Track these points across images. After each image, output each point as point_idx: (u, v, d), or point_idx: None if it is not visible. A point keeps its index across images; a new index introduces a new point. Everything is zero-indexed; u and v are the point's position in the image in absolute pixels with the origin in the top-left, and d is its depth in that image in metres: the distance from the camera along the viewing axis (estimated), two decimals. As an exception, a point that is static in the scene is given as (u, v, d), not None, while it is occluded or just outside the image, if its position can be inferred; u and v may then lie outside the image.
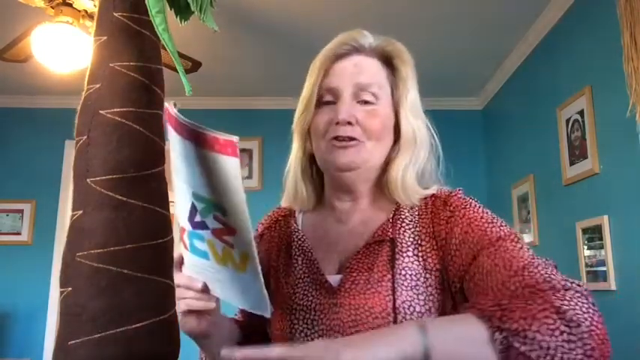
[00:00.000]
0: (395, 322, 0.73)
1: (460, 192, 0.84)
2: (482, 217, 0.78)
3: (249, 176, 4.08)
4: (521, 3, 2.82)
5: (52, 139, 4.12)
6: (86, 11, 2.43)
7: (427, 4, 2.83)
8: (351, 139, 0.81)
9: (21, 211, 4.00)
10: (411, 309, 0.75)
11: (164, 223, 0.57)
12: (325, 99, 0.84)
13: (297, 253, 0.87)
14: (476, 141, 4.03)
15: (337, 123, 0.81)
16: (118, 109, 0.55)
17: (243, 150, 4.08)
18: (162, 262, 0.56)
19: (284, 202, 0.93)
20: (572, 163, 2.61)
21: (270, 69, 3.64)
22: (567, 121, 2.66)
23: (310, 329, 0.79)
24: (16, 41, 2.60)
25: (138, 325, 0.51)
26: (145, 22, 0.58)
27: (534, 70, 3.16)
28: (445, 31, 3.11)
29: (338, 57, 0.85)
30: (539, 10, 2.89)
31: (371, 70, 0.85)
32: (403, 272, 0.77)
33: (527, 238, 3.17)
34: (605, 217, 2.29)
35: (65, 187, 4.10)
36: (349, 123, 0.80)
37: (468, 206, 0.80)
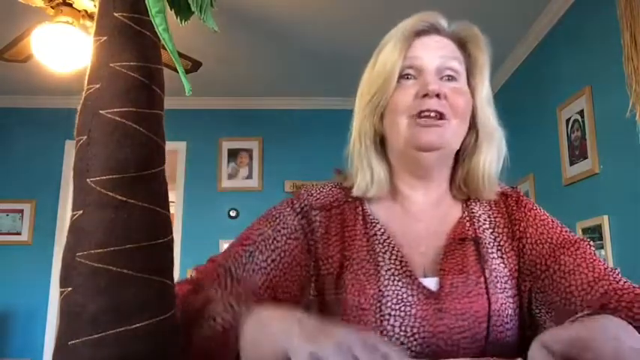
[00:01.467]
0: (488, 326, 0.71)
1: (521, 190, 0.85)
2: (552, 220, 0.80)
3: (249, 176, 4.08)
4: (521, 3, 2.82)
5: (52, 139, 4.13)
6: (86, 11, 2.43)
7: (427, 4, 2.83)
8: (439, 115, 0.76)
9: (21, 211, 4.01)
10: (505, 312, 0.73)
11: (164, 223, 0.57)
12: (406, 73, 0.80)
13: (383, 250, 0.77)
14: (476, 141, 4.03)
15: (425, 95, 0.76)
16: (118, 109, 0.55)
17: (243, 150, 4.08)
18: (163, 262, 0.56)
19: (357, 191, 0.82)
20: (572, 163, 2.61)
21: (270, 69, 3.64)
22: (567, 121, 2.66)
23: (410, 337, 0.71)
24: (16, 41, 2.60)
25: (138, 325, 0.51)
26: (145, 22, 0.58)
27: (534, 70, 3.17)
28: (445, 31, 3.11)
29: (418, 33, 0.82)
30: (539, 10, 2.89)
31: (452, 51, 0.82)
32: (494, 274, 0.75)
33: (527, 238, 3.18)
34: (605, 217, 2.29)
35: (65, 187, 4.10)
36: (437, 96, 0.76)
37: (536, 208, 0.82)
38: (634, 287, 0.67)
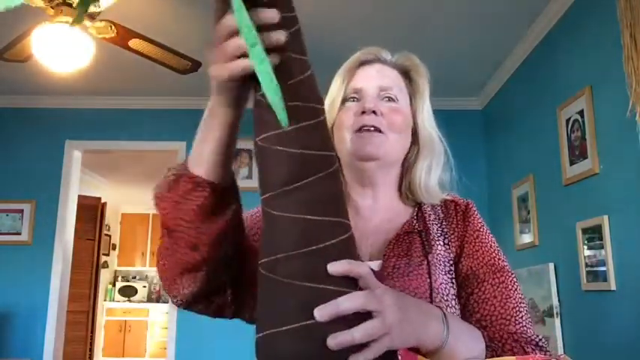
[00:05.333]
0: (431, 301, 0.80)
1: (473, 203, 0.94)
2: (491, 245, 0.88)
3: (249, 176, 4.08)
4: (521, 3, 2.82)
5: (52, 139, 4.13)
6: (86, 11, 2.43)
7: (427, 4, 2.83)
8: (376, 129, 0.88)
9: (21, 211, 4.00)
10: (446, 291, 0.83)
11: (316, 230, 0.62)
12: (351, 96, 0.93)
13: None
14: (476, 141, 4.03)
15: (363, 112, 0.88)
16: (261, 136, 0.63)
17: (243, 150, 4.08)
18: (314, 269, 0.61)
19: None
20: (572, 163, 2.61)
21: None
22: (567, 121, 2.66)
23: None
24: (16, 41, 2.60)
25: (287, 327, 0.57)
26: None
27: (534, 70, 3.17)
28: (445, 31, 3.11)
29: (362, 63, 0.95)
30: (539, 10, 2.89)
31: (392, 77, 0.94)
32: (437, 257, 0.85)
33: (527, 238, 3.18)
34: (605, 217, 2.29)
35: (65, 187, 4.10)
36: (374, 112, 0.88)
37: (480, 227, 0.90)
38: (525, 337, 0.78)
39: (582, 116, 2.51)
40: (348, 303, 0.57)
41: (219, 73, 0.65)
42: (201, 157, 0.70)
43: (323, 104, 0.66)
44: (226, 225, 0.73)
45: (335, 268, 0.58)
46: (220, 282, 0.79)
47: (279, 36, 0.59)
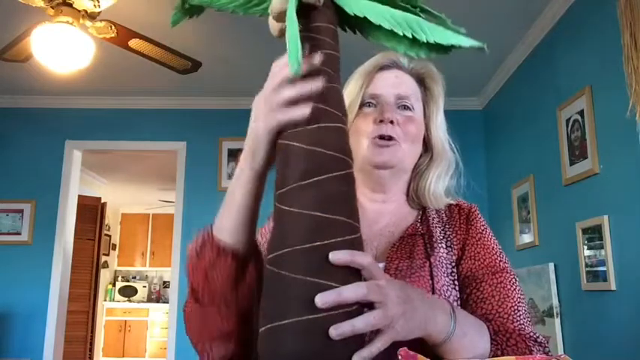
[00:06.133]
0: None
1: (476, 207, 0.96)
2: (493, 247, 0.90)
3: (249, 176, 4.09)
4: (521, 3, 2.82)
5: (52, 139, 4.13)
6: (86, 11, 2.43)
7: (426, 4, 2.83)
8: (391, 138, 0.89)
9: (21, 211, 4.00)
10: (448, 292, 0.84)
11: (322, 227, 0.63)
12: (367, 101, 0.93)
13: None
14: (476, 141, 4.03)
15: (381, 121, 0.90)
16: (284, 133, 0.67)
17: (243, 150, 4.08)
18: (316, 265, 0.61)
19: None
20: (572, 163, 2.61)
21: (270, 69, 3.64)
22: (567, 121, 2.66)
23: None
24: (16, 41, 2.60)
25: (287, 321, 0.58)
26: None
27: (534, 70, 3.17)
28: (445, 31, 3.11)
29: (381, 68, 0.95)
30: (539, 9, 2.89)
31: (409, 84, 0.95)
32: (439, 259, 0.86)
33: (528, 238, 3.18)
34: (605, 217, 2.29)
35: (65, 187, 4.10)
36: (391, 122, 0.90)
37: (483, 230, 0.92)
38: (523, 335, 0.79)
39: (582, 116, 2.51)
40: (350, 292, 0.57)
41: (269, 121, 0.69)
42: (229, 215, 0.76)
43: (347, 116, 0.69)
44: (250, 294, 0.75)
45: (337, 256, 0.58)
46: (252, 354, 0.78)
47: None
